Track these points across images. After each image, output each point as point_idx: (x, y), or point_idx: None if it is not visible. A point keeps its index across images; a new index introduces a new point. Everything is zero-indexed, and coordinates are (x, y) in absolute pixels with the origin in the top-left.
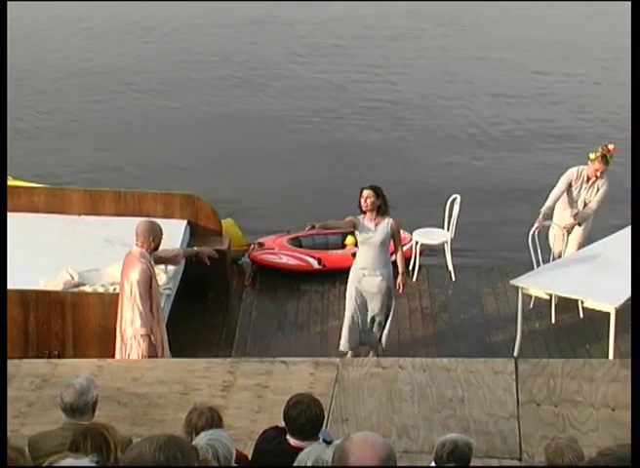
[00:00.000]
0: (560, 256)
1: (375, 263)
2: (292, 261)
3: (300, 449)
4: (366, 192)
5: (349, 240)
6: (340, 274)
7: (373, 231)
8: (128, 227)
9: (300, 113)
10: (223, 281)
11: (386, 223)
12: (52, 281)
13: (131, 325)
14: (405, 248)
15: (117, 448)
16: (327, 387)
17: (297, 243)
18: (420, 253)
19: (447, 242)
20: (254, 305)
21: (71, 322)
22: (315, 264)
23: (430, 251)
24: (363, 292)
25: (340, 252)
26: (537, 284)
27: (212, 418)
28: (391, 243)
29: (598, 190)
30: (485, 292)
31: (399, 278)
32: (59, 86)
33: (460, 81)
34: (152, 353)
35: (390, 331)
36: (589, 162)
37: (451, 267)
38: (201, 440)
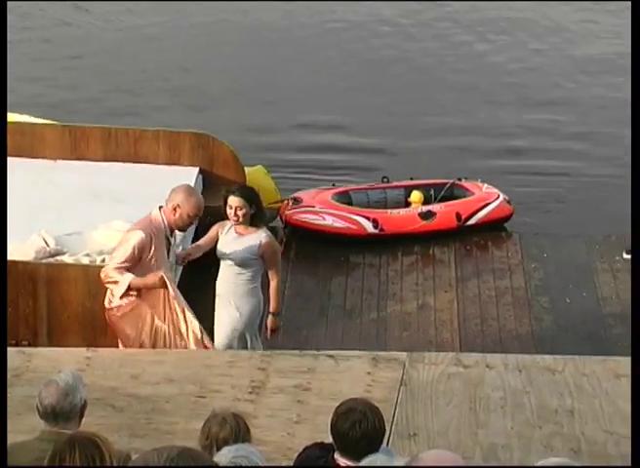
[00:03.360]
0: None
1: (230, 290)
2: (338, 223)
3: None
4: (233, 200)
5: (415, 196)
6: (403, 241)
7: (233, 244)
8: (120, 177)
9: (352, 30)
10: None
11: (256, 238)
12: (20, 248)
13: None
14: (491, 207)
15: (113, 461)
16: (389, 391)
17: (345, 198)
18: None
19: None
20: (287, 282)
21: (46, 302)
22: (370, 227)
23: (525, 212)
24: (218, 326)
25: (402, 211)
26: None
27: (237, 428)
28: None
29: None
30: (599, 268)
31: (269, 319)
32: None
33: None
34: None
35: (469, 320)
36: None
37: (553, 234)
38: (224, 456)
